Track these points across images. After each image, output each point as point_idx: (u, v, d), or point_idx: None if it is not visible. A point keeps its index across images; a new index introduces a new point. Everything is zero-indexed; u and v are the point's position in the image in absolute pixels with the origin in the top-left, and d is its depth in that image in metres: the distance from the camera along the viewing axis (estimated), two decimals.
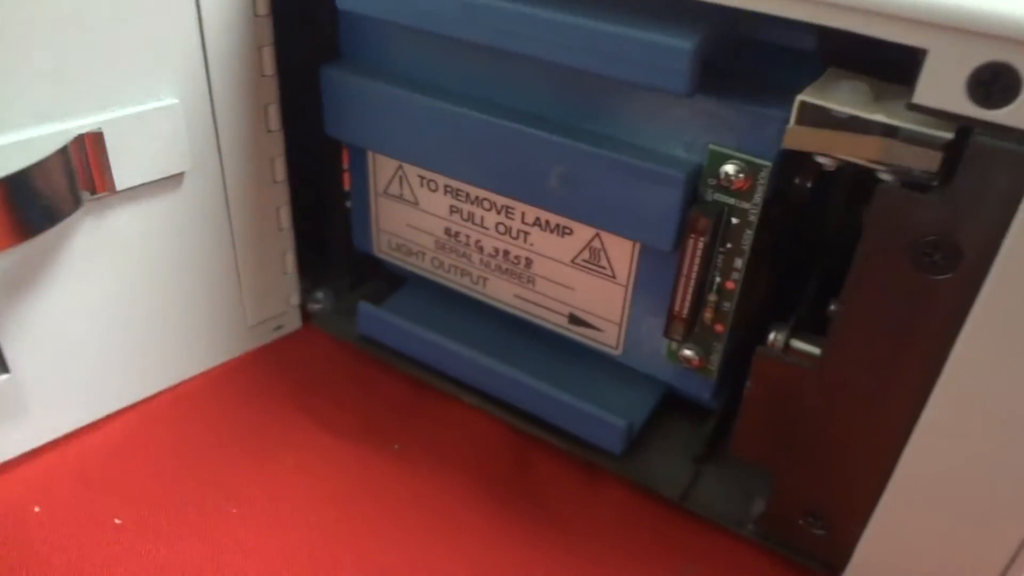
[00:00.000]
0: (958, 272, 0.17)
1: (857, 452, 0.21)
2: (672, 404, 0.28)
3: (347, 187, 0.30)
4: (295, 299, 0.31)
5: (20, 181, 0.21)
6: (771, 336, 0.23)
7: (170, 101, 0.24)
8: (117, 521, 0.24)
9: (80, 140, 0.22)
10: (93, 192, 0.23)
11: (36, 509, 0.24)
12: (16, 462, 0.25)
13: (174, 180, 0.25)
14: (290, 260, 0.30)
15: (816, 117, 0.18)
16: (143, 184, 0.24)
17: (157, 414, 0.28)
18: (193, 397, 0.28)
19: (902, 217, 0.17)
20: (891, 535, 0.21)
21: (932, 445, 0.19)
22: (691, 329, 0.24)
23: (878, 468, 0.20)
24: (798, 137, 0.18)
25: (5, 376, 0.24)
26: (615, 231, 0.23)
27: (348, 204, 0.30)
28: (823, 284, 0.24)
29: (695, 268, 0.22)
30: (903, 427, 0.19)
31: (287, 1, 0.25)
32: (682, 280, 0.23)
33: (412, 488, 0.26)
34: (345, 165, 0.30)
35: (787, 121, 0.20)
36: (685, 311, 0.23)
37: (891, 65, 0.18)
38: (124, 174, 0.23)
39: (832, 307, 0.23)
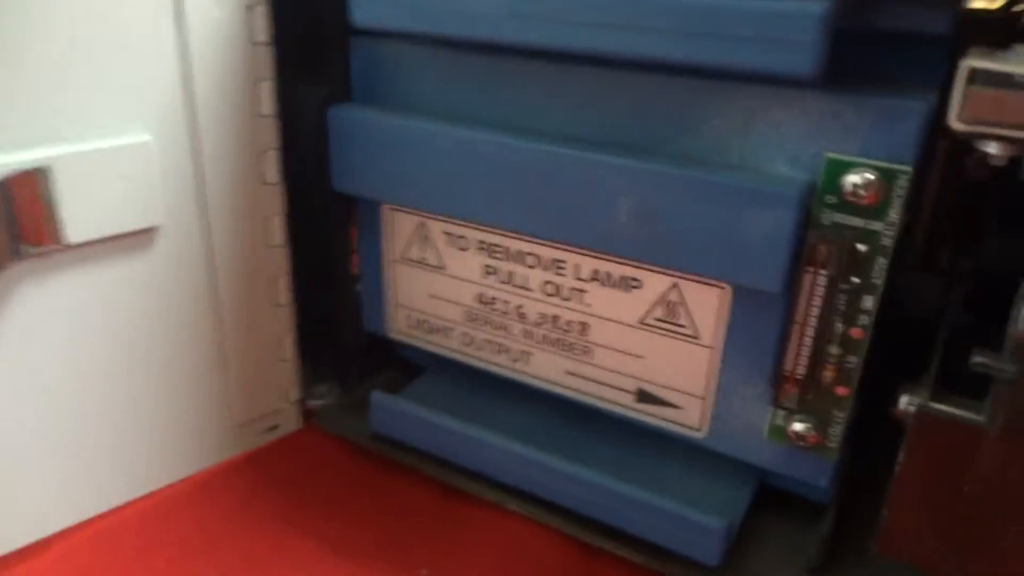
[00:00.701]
0: None
1: None
2: (766, 499, 0.22)
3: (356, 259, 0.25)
4: (294, 393, 0.25)
5: None
6: (902, 402, 0.19)
7: (141, 138, 0.19)
8: None
9: (22, 177, 0.18)
10: (36, 244, 0.18)
11: None
12: None
13: (144, 237, 0.20)
14: (289, 344, 0.25)
15: (994, 83, 0.14)
16: (103, 239, 0.19)
17: (119, 532, 0.22)
18: (165, 512, 0.23)
19: None
20: None
21: None
22: (807, 394, 0.19)
23: None
24: (980, 106, 0.14)
25: None
26: (705, 273, 0.19)
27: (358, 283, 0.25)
28: (958, 331, 0.19)
29: (814, 312, 0.18)
30: None
31: (292, 28, 0.22)
32: (796, 330, 0.18)
33: None
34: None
35: (928, 114, 0.16)
36: (801, 370, 0.18)
37: None
38: (78, 225, 0.19)
39: (978, 359, 0.18)
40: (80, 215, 0.19)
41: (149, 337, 0.21)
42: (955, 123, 0.14)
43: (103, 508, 0.22)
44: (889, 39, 0.17)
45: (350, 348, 0.27)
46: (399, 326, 0.25)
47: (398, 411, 0.24)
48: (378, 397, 0.24)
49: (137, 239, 0.20)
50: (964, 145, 0.15)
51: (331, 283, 0.26)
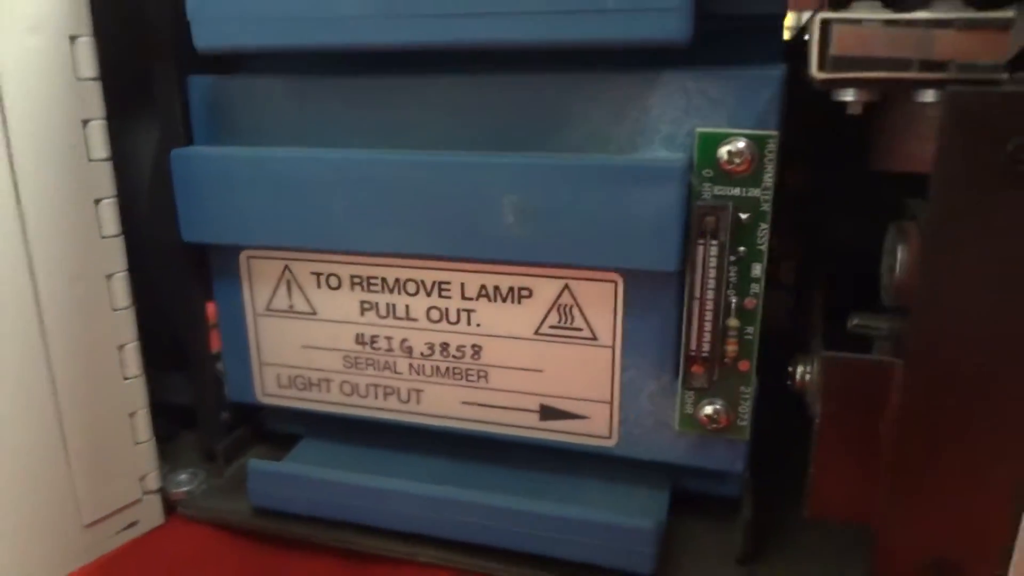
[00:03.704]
0: None
1: (980, 463, 0.16)
2: (681, 506, 0.22)
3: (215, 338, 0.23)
4: (153, 481, 0.22)
5: None
6: (798, 373, 0.19)
7: None
8: None
9: None
10: None
11: None
12: None
13: None
14: (142, 423, 0.22)
15: (848, 30, 0.15)
16: None
17: None
18: None
19: (981, 122, 0.14)
20: None
21: None
22: (714, 371, 0.18)
23: (1011, 479, 0.16)
24: (843, 44, 0.14)
25: None
26: (599, 263, 0.18)
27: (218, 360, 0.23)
28: (833, 296, 0.20)
29: (710, 285, 0.18)
30: None
31: (122, 62, 0.20)
32: (696, 306, 0.18)
33: None
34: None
35: (784, 80, 0.17)
36: (705, 347, 0.18)
37: None
38: None
39: (855, 321, 0.19)
40: None
41: None
42: (816, 73, 0.15)
43: None
44: (730, 22, 0.18)
45: (212, 426, 0.24)
46: (269, 389, 0.23)
47: (282, 477, 0.22)
48: (257, 465, 0.22)
49: None
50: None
51: (184, 353, 0.23)
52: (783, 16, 0.18)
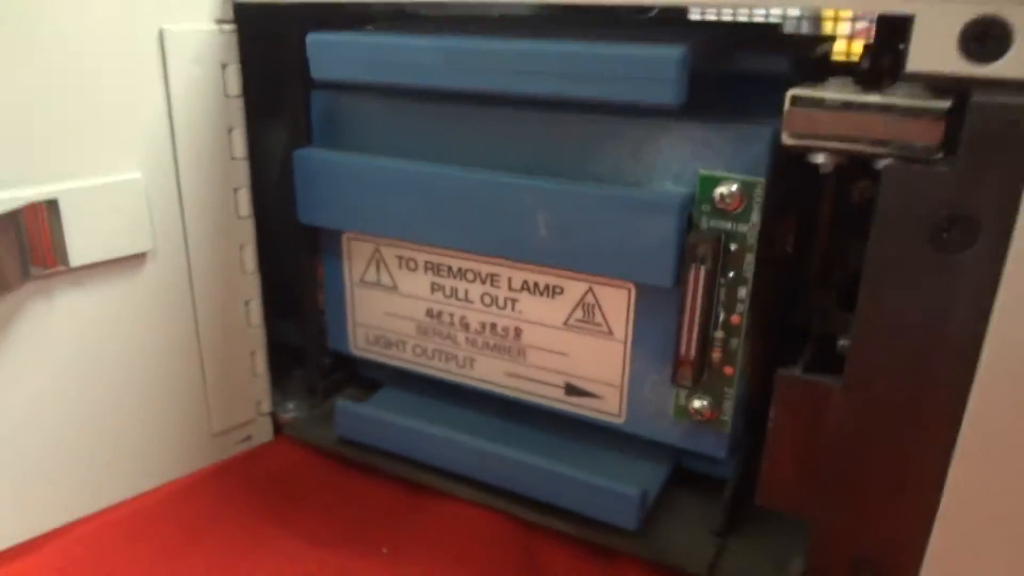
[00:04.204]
0: (979, 246, 0.17)
1: (898, 480, 0.19)
2: (684, 480, 0.25)
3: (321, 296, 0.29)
4: (266, 406, 0.28)
5: None
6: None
7: (133, 175, 0.23)
8: None
9: (33, 209, 0.21)
10: (43, 267, 0.21)
11: None
12: None
13: (135, 261, 0.24)
14: (260, 361, 0.28)
15: (812, 106, 0.18)
16: (101, 262, 0.23)
17: (110, 530, 0.24)
18: (152, 511, 0.25)
19: (912, 195, 0.17)
20: (951, 570, 0.19)
21: (980, 457, 0.18)
22: (700, 373, 0.22)
23: (923, 496, 0.18)
24: (797, 121, 0.18)
25: None
26: (613, 274, 0.22)
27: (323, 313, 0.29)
28: (830, 321, 0.23)
29: (699, 301, 0.21)
30: (945, 441, 0.18)
31: (261, 83, 0.25)
32: (686, 317, 0.21)
33: None
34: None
35: (776, 136, 0.20)
36: (692, 352, 0.22)
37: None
38: (80, 249, 0.22)
39: (841, 342, 0.22)
40: (82, 241, 0.22)
41: (138, 351, 0.24)
42: (786, 139, 0.18)
43: (95, 508, 0.25)
44: (744, 78, 0.21)
45: (316, 367, 0.30)
46: (359, 343, 0.28)
47: (361, 416, 0.27)
48: (343, 404, 0.27)
49: (129, 263, 0.23)
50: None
51: (298, 308, 0.29)
52: (784, 75, 0.21)
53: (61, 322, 0.22)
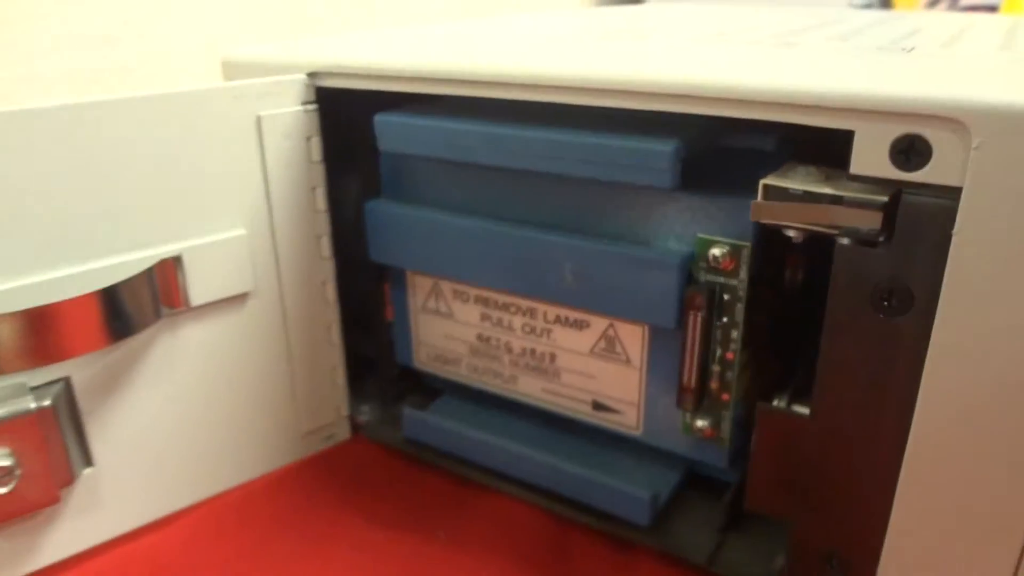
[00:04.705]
0: (913, 312, 0.20)
1: (857, 490, 0.23)
2: (695, 485, 0.30)
3: (390, 310, 0.34)
4: (344, 410, 0.34)
5: (113, 294, 0.25)
6: (774, 403, 0.26)
7: (238, 232, 0.28)
8: None
9: (163, 263, 0.26)
10: (171, 307, 0.27)
11: None
12: (94, 552, 0.28)
13: (239, 299, 0.29)
14: (340, 374, 0.33)
15: (778, 195, 0.22)
16: (214, 301, 0.28)
17: (224, 511, 0.30)
18: (255, 496, 0.31)
19: (859, 269, 0.21)
20: (902, 569, 0.23)
21: (920, 472, 0.21)
22: (700, 400, 0.26)
23: (878, 502, 0.22)
24: (762, 211, 0.22)
25: (90, 469, 0.27)
26: (625, 316, 0.27)
27: (391, 329, 0.34)
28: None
29: (697, 341, 0.25)
30: (893, 460, 0.22)
31: (337, 150, 0.30)
32: (687, 354, 0.26)
33: (457, 567, 0.28)
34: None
35: None
36: (693, 382, 0.26)
37: (835, 157, 0.22)
38: (197, 292, 0.28)
39: None
40: (199, 286, 0.27)
41: (244, 368, 0.30)
42: (753, 218, 0.22)
43: (209, 494, 0.31)
44: (741, 153, 0.25)
45: (386, 377, 0.35)
46: (421, 359, 0.34)
47: (424, 421, 0.32)
48: (409, 412, 0.33)
49: (235, 301, 0.29)
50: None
51: (370, 329, 0.34)
52: (780, 153, 0.25)
53: (184, 348, 0.28)
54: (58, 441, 0.26)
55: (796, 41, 0.29)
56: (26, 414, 0.25)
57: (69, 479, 0.27)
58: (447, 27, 0.38)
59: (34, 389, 0.25)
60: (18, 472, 0.25)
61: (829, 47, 0.27)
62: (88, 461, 0.27)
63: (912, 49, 0.26)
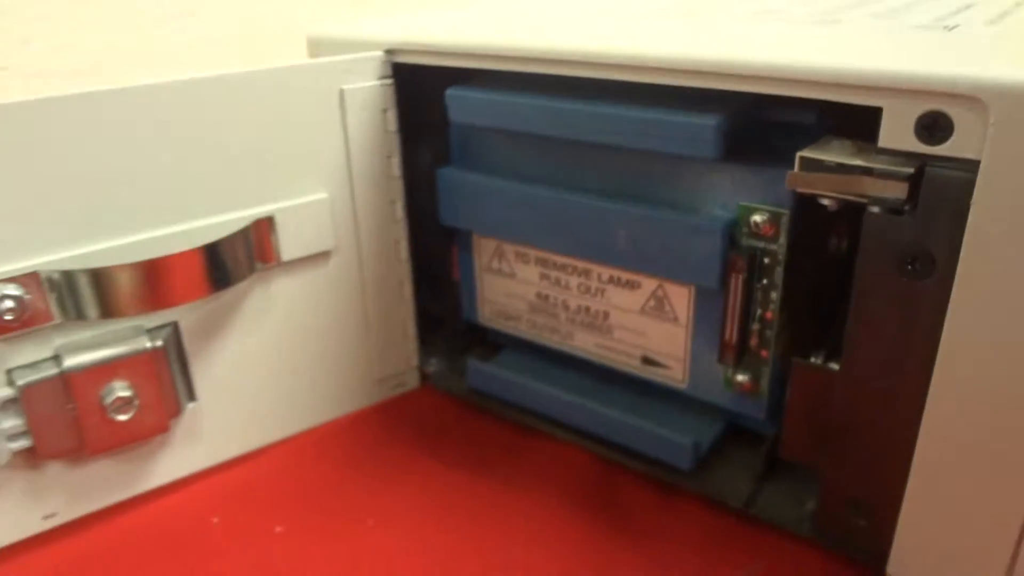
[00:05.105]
0: (934, 276, 0.22)
1: (881, 441, 0.25)
2: (736, 437, 0.32)
3: (457, 270, 0.37)
4: (414, 361, 0.37)
5: (215, 249, 0.28)
6: (811, 360, 0.28)
7: (322, 195, 0.31)
8: (278, 529, 0.30)
9: (258, 223, 0.30)
10: (264, 262, 0.31)
11: (215, 520, 0.30)
12: (196, 477, 0.32)
13: (323, 256, 0.32)
14: (410, 327, 0.36)
15: (812, 167, 0.23)
16: (301, 258, 0.31)
17: (307, 447, 0.34)
18: (334, 435, 0.35)
19: (886, 236, 0.23)
20: (922, 514, 0.25)
21: (939, 426, 0.23)
22: (740, 355, 0.28)
23: (900, 453, 0.24)
24: (797, 180, 0.23)
25: (193, 403, 0.31)
26: (673, 278, 0.29)
27: (458, 287, 0.37)
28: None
29: (738, 301, 0.27)
30: (914, 414, 0.24)
31: (411, 120, 0.33)
32: (729, 313, 0.28)
33: (515, 504, 0.31)
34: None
35: None
36: (734, 339, 0.28)
37: (871, 130, 0.23)
38: (287, 249, 0.31)
39: None
40: (288, 244, 0.31)
41: (325, 318, 0.33)
42: (789, 187, 0.24)
43: (293, 432, 0.34)
44: (781, 126, 0.27)
45: (453, 332, 0.38)
46: (485, 315, 0.36)
47: (487, 372, 0.35)
48: (473, 363, 0.36)
49: (318, 258, 0.32)
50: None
51: (439, 287, 0.37)
52: (819, 126, 0.26)
53: (274, 299, 0.32)
54: (168, 377, 0.30)
55: (841, 18, 0.30)
56: (143, 352, 0.28)
57: (176, 411, 0.30)
58: (507, 5, 0.40)
59: (149, 331, 0.29)
60: (136, 402, 0.29)
61: (871, 24, 0.29)
62: (192, 396, 0.31)
63: (955, 27, 0.27)
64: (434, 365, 0.38)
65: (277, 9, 0.63)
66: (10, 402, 0.27)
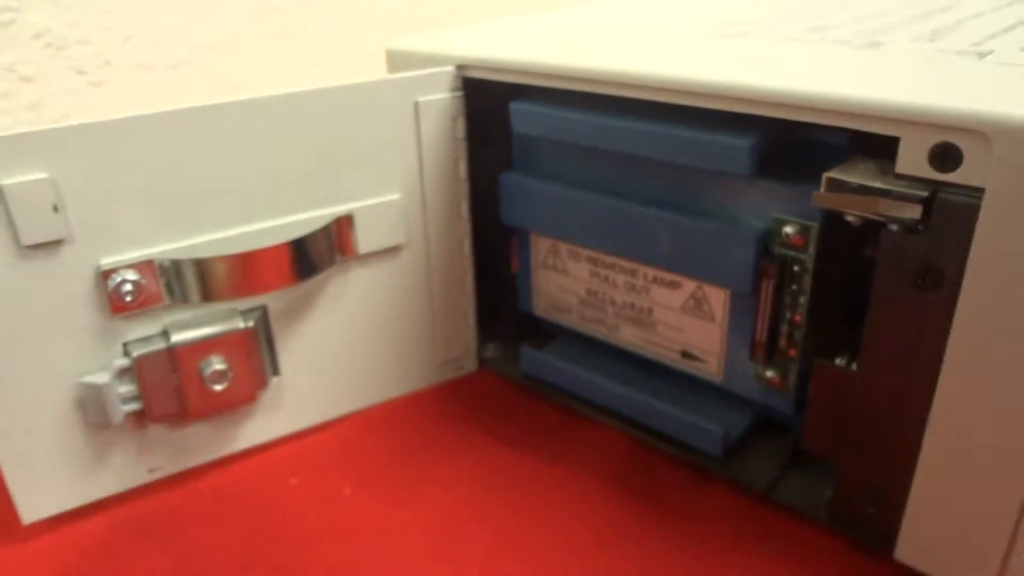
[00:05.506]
0: (943, 289, 0.24)
1: (892, 437, 0.27)
2: (766, 429, 0.35)
3: (515, 264, 0.40)
4: (473, 346, 0.41)
5: (301, 243, 0.32)
6: (836, 361, 0.30)
7: (395, 196, 0.35)
8: (347, 492, 0.34)
9: (339, 220, 0.34)
10: (343, 255, 0.34)
11: (293, 481, 0.35)
12: (278, 442, 0.36)
13: (395, 250, 0.36)
14: (471, 315, 0.40)
15: (837, 187, 0.26)
16: (375, 251, 0.35)
17: (374, 420, 0.38)
18: (399, 411, 0.38)
19: (901, 252, 0.25)
20: (927, 502, 0.27)
21: (944, 423, 0.25)
22: (770, 354, 0.31)
23: (909, 448, 0.27)
24: (822, 199, 0.26)
25: (277, 378, 0.35)
26: (711, 280, 0.32)
27: (515, 280, 0.40)
28: None
29: (769, 304, 0.30)
30: (922, 413, 0.26)
31: (477, 128, 0.36)
32: (760, 314, 0.30)
33: (560, 479, 0.34)
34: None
35: None
36: (764, 339, 0.31)
37: (895, 152, 0.25)
38: (363, 244, 0.34)
39: None
40: (364, 239, 0.34)
41: (398, 306, 0.37)
42: (815, 204, 0.27)
43: (363, 406, 0.38)
44: (816, 146, 0.29)
45: (510, 321, 0.42)
46: (540, 307, 0.40)
47: (539, 360, 0.38)
48: (527, 351, 0.39)
49: (392, 251, 0.36)
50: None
51: (498, 280, 0.41)
52: (849, 147, 0.28)
53: (351, 288, 0.35)
54: (257, 354, 0.34)
55: (883, 40, 0.32)
56: (236, 332, 0.32)
57: (263, 384, 0.35)
58: (571, 17, 0.43)
59: (242, 313, 0.33)
60: (230, 375, 0.33)
61: (908, 48, 0.31)
62: (276, 371, 0.35)
63: (988, 54, 0.29)
64: (491, 351, 0.42)
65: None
66: (125, 371, 0.31)
